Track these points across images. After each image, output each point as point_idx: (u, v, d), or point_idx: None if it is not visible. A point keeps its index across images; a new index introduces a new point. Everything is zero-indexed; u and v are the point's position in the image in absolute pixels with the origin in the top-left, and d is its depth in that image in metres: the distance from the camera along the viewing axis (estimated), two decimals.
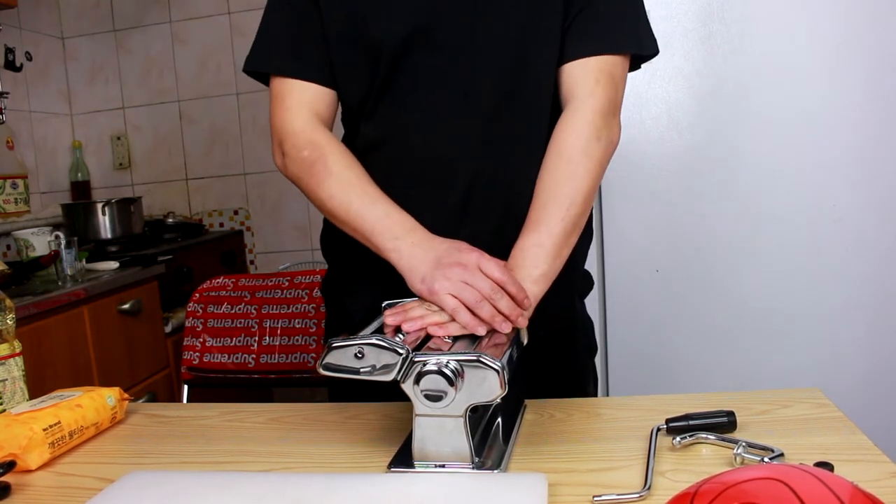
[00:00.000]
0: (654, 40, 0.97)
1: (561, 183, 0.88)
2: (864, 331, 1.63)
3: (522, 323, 0.80)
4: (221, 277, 1.67)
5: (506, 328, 0.78)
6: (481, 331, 0.77)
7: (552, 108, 0.96)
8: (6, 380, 0.96)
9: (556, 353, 1.05)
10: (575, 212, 0.87)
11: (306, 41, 0.97)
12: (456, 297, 0.78)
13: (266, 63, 1.00)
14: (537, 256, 0.85)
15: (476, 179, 0.95)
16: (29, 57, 2.59)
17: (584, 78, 0.92)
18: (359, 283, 1.03)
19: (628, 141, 1.65)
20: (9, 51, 2.46)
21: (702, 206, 1.65)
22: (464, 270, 0.79)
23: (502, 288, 0.79)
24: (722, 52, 1.61)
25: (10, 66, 2.46)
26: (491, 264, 0.80)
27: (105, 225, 2.37)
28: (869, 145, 1.59)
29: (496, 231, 0.94)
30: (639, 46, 0.95)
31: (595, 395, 1.16)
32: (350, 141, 1.02)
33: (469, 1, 0.92)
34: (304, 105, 0.97)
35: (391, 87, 0.95)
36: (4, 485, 0.77)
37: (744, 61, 1.61)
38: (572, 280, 1.05)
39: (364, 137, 0.99)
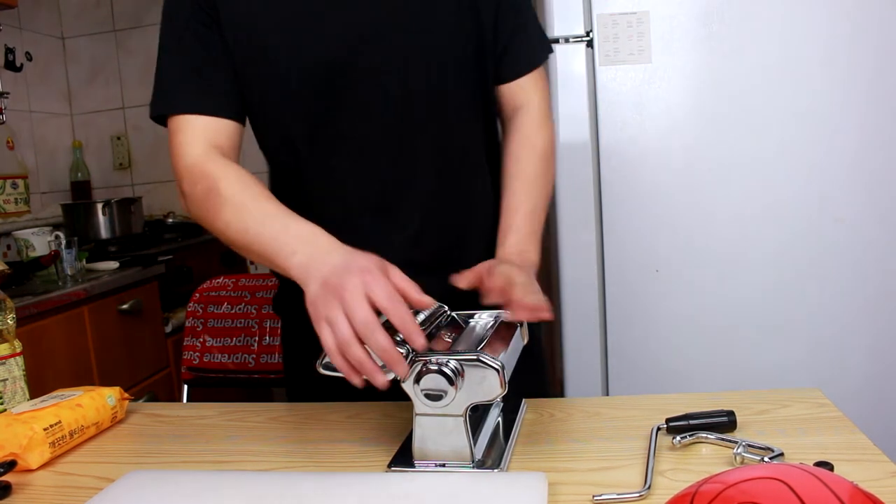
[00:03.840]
0: (548, 40, 1.11)
1: (542, 177, 1.00)
2: (864, 331, 1.62)
3: (384, 384, 0.69)
4: (221, 277, 1.67)
5: (380, 381, 0.68)
6: (355, 381, 0.69)
7: (484, 118, 1.03)
8: (7, 379, 0.96)
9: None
10: (548, 204, 1.01)
11: (203, 73, 0.93)
12: (333, 334, 0.68)
13: (165, 105, 0.95)
14: (536, 244, 0.94)
15: (426, 200, 0.97)
16: (29, 57, 2.59)
17: (534, 86, 1.05)
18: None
19: (628, 141, 1.65)
20: (9, 51, 2.46)
21: (702, 207, 1.65)
22: (343, 297, 0.68)
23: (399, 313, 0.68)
24: (722, 52, 1.61)
25: (10, 66, 2.46)
26: (378, 289, 0.68)
27: (105, 225, 2.37)
28: (870, 145, 1.59)
29: (448, 249, 0.97)
30: (550, 49, 1.08)
31: (545, 368, 1.16)
32: (283, 176, 1.01)
33: (385, 25, 0.93)
34: (199, 137, 0.92)
35: (321, 119, 0.94)
36: (5, 484, 0.77)
37: (744, 61, 1.61)
38: None
39: (298, 173, 0.98)
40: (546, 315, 0.76)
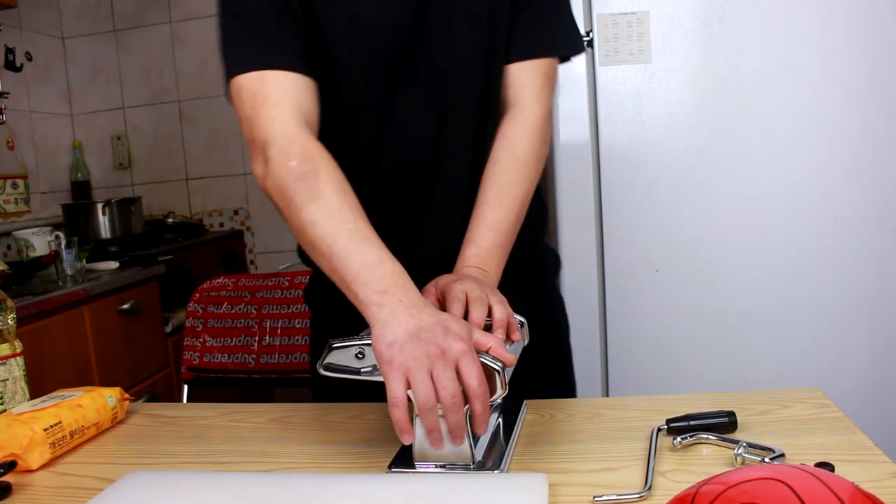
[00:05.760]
0: (582, 40, 0.99)
1: (516, 185, 0.91)
2: (864, 331, 1.63)
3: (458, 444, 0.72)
4: (221, 277, 1.67)
5: (439, 447, 0.71)
6: (406, 439, 0.70)
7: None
8: (7, 380, 0.96)
9: (540, 332, 0.98)
10: (524, 210, 0.92)
11: (286, 34, 0.87)
12: (407, 385, 0.68)
13: (254, 60, 0.86)
14: (500, 257, 0.88)
15: (463, 188, 0.95)
16: (29, 57, 2.59)
17: (531, 81, 0.94)
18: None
19: (628, 141, 1.65)
20: (9, 51, 2.46)
21: (702, 206, 1.66)
22: (438, 359, 0.68)
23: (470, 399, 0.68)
24: (722, 52, 1.61)
25: (11, 66, 2.46)
26: (473, 369, 0.68)
27: (105, 225, 2.37)
28: (869, 145, 1.59)
29: (452, 225, 0.94)
30: (575, 48, 0.97)
31: (572, 370, 1.13)
32: None
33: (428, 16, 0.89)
34: (292, 101, 0.85)
35: (373, 103, 0.91)
36: (5, 485, 0.77)
37: (744, 61, 1.61)
38: (538, 256, 1.05)
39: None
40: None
